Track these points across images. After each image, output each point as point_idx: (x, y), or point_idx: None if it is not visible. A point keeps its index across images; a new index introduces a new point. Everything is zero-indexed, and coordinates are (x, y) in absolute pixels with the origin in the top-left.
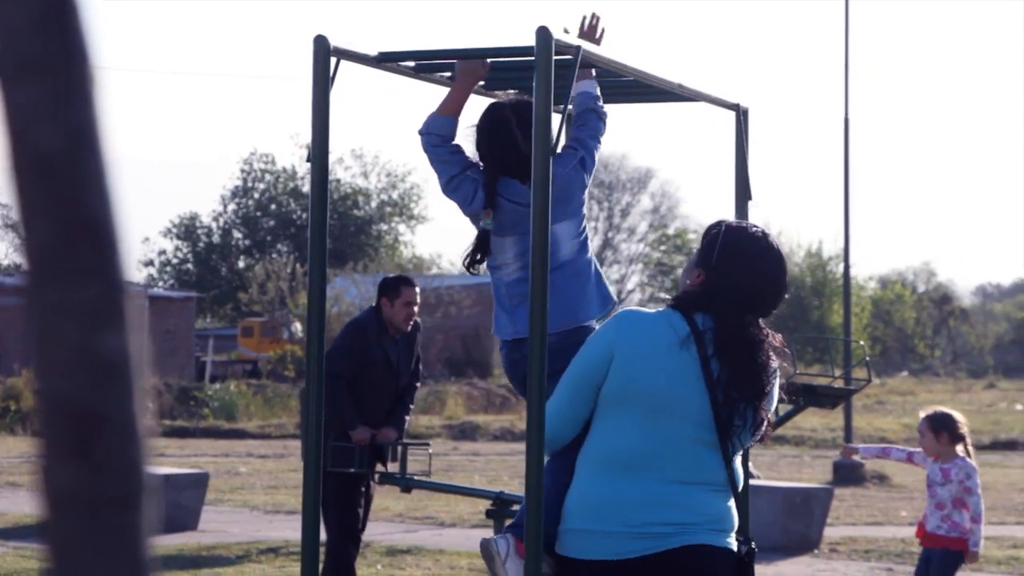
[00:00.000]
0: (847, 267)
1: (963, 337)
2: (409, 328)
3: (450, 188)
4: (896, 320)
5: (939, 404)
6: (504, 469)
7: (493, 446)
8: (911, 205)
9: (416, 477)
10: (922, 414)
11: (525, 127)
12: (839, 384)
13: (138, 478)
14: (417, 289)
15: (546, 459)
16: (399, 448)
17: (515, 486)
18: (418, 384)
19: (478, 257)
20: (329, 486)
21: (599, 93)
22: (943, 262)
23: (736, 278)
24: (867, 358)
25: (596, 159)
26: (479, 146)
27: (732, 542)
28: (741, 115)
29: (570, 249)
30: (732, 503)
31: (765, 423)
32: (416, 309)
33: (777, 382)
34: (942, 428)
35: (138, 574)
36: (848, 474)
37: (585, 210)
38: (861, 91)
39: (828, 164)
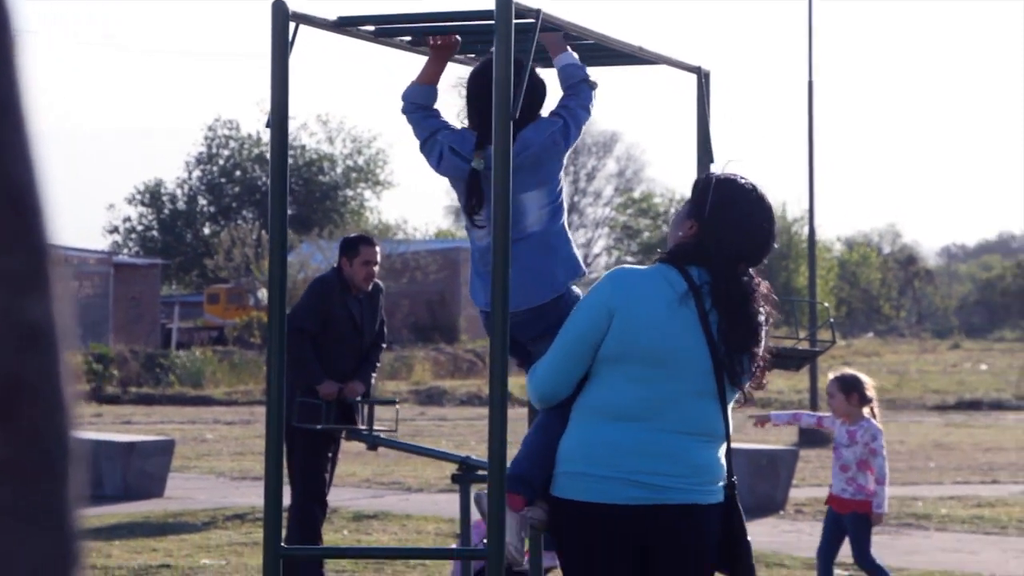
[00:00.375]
0: (812, 229)
1: (928, 298)
2: (369, 287)
3: (425, 149)
4: (862, 281)
5: (905, 364)
6: (471, 434)
7: (460, 411)
8: (876, 167)
9: (383, 435)
10: (831, 375)
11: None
12: (804, 346)
13: (64, 446)
14: (377, 248)
15: (538, 414)
16: (366, 407)
17: (481, 451)
18: (383, 344)
19: (474, 201)
20: (294, 451)
21: (576, 60)
22: (908, 223)
23: (729, 229)
24: (832, 319)
25: (581, 129)
26: (468, 115)
27: (719, 492)
28: (703, 78)
29: (536, 219)
30: (723, 451)
31: (762, 368)
32: (376, 269)
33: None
34: (852, 389)
35: (66, 544)
36: (814, 436)
37: (561, 176)
38: (825, 53)
39: (792, 126)
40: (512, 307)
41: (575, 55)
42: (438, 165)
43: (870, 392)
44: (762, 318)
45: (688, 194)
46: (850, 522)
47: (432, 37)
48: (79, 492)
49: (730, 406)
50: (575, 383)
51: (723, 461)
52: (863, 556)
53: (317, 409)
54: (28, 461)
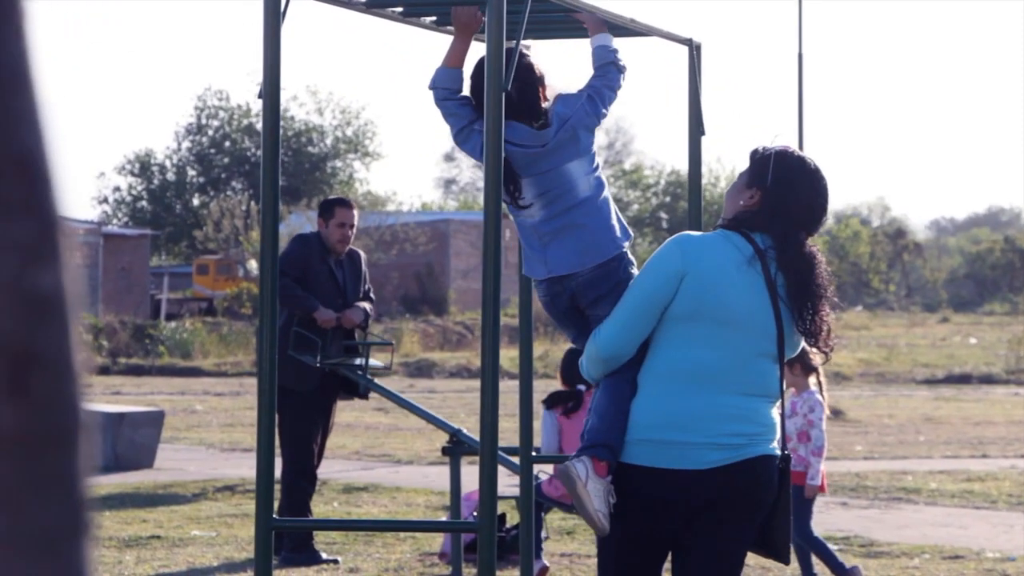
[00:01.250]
0: None
1: (917, 271)
2: (345, 250)
3: (460, 139)
4: (851, 255)
5: (894, 338)
6: (461, 406)
7: (449, 383)
8: (865, 140)
9: (376, 376)
10: None
11: (519, 71)
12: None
13: (75, 416)
14: (354, 212)
15: (593, 379)
16: (361, 348)
17: (472, 423)
18: (373, 298)
19: (511, 187)
20: (284, 418)
21: (615, 46)
22: (897, 197)
23: (793, 197)
24: None
25: (608, 109)
26: (475, 94)
27: (777, 447)
28: (694, 50)
29: (587, 185)
30: (778, 412)
31: (828, 329)
32: (352, 232)
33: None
34: (795, 360)
35: (76, 513)
36: None
37: (596, 150)
38: (815, 26)
39: (782, 99)
40: (579, 267)
41: (610, 36)
42: (480, 155)
43: (815, 362)
44: (826, 283)
45: (675, 165)
46: (793, 494)
47: (454, 11)
48: (89, 462)
49: (784, 367)
50: (639, 344)
51: (779, 421)
52: (800, 530)
53: (313, 343)
54: (39, 432)
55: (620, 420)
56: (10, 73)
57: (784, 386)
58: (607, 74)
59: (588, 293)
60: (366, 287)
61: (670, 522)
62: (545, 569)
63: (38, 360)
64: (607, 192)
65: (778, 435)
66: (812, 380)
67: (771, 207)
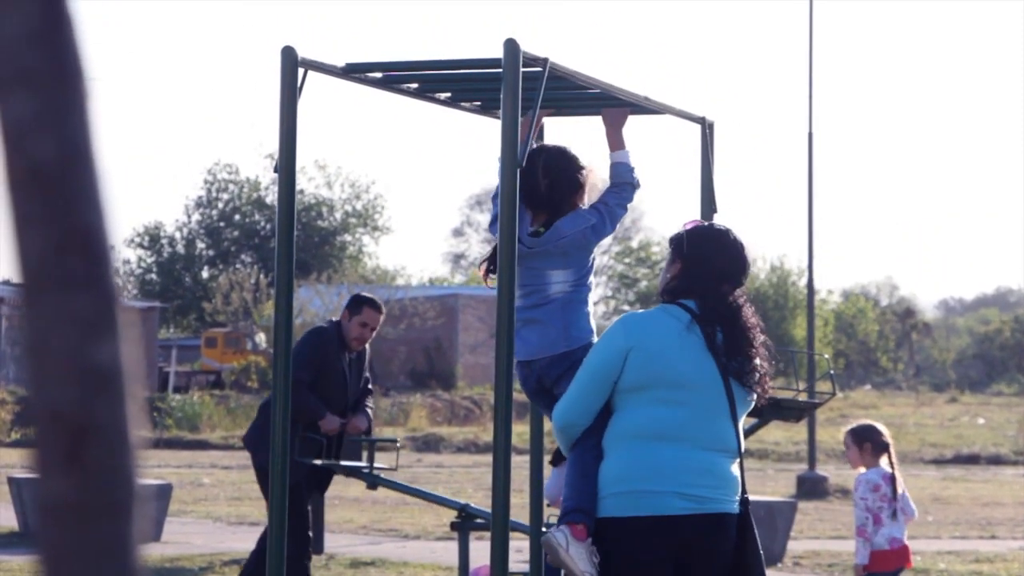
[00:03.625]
0: (811, 280)
1: (926, 351)
2: (358, 348)
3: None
4: (859, 333)
5: (902, 417)
6: (468, 481)
7: (456, 458)
8: (874, 219)
9: (383, 474)
10: (844, 429)
11: (549, 169)
12: (803, 398)
13: (129, 487)
14: (381, 317)
15: (562, 451)
16: (366, 446)
17: (480, 498)
18: (371, 388)
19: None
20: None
21: (630, 161)
22: (906, 276)
23: (708, 257)
24: (832, 371)
25: (616, 225)
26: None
27: (737, 504)
28: (707, 128)
29: (560, 290)
30: (738, 467)
31: (766, 376)
32: (371, 334)
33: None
34: (865, 438)
35: None
36: (812, 488)
37: (591, 259)
38: (825, 105)
39: (792, 177)
40: (537, 355)
41: (629, 154)
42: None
43: (885, 438)
44: (755, 328)
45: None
46: None
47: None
48: (142, 532)
49: (740, 422)
50: (593, 414)
51: (739, 476)
52: None
53: (318, 444)
54: (94, 501)
55: (588, 485)
56: (73, 151)
57: (742, 441)
58: (622, 192)
59: (549, 374)
60: (365, 375)
61: (660, 570)
62: None
63: (95, 432)
64: (584, 297)
65: (738, 490)
66: (884, 460)
67: (691, 272)
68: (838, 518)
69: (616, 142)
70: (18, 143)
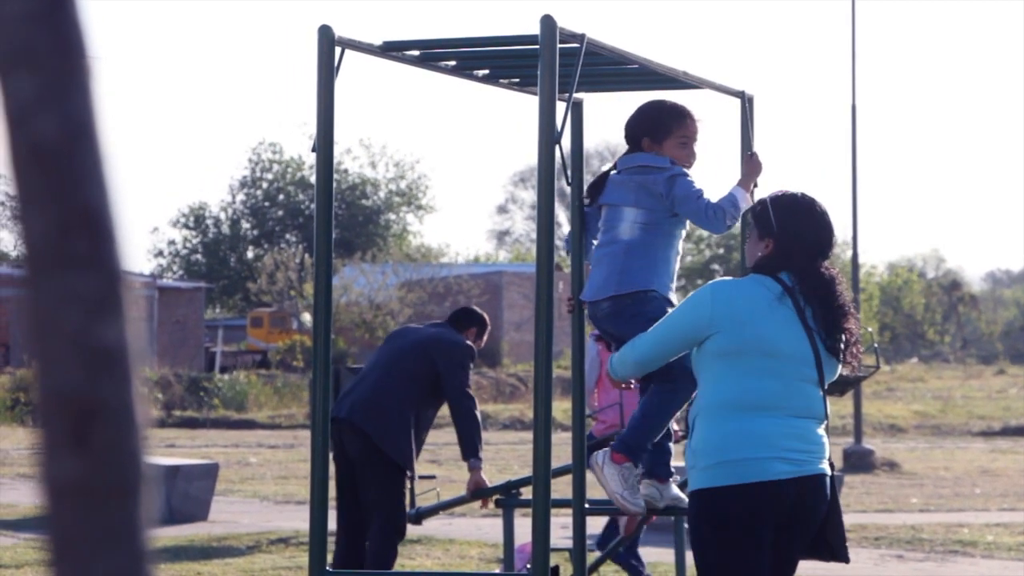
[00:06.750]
0: (855, 253)
1: (972, 323)
2: None
3: None
4: (905, 306)
5: (949, 390)
6: (514, 458)
7: (503, 435)
8: (920, 191)
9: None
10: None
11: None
12: (848, 371)
13: (137, 468)
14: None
15: (617, 376)
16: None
17: (525, 475)
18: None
19: None
20: (393, 485)
21: (743, 206)
22: (952, 248)
23: (800, 232)
24: (875, 344)
25: (689, 214)
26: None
27: (828, 466)
28: (746, 102)
29: (628, 230)
30: (825, 431)
31: (858, 345)
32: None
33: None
34: None
35: (138, 564)
36: (858, 461)
37: (664, 209)
38: (868, 77)
39: (835, 150)
40: (599, 296)
41: (747, 198)
42: None
43: None
44: (847, 299)
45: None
46: None
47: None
48: (151, 513)
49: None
50: (666, 360)
51: (826, 440)
52: None
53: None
54: (101, 483)
55: (644, 424)
56: (76, 130)
57: (827, 405)
58: (719, 209)
59: (607, 320)
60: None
61: (768, 533)
62: None
63: (101, 412)
64: (656, 243)
65: (827, 454)
66: None
67: (784, 250)
68: (884, 491)
69: (743, 183)
70: (21, 122)
